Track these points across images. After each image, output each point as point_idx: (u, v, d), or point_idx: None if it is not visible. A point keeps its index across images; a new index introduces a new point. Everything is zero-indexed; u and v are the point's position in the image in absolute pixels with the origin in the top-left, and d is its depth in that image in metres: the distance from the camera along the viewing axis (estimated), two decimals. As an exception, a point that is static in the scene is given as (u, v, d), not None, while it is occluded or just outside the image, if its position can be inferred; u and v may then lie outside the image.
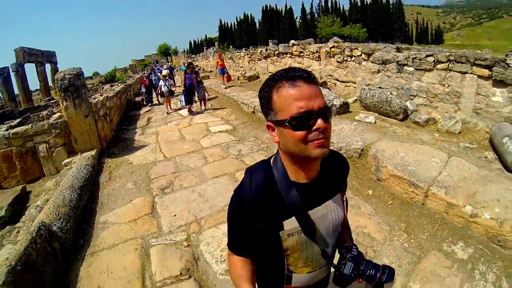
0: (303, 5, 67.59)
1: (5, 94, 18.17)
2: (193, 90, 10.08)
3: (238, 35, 68.33)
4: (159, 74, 15.40)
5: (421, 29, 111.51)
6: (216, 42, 47.33)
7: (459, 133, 4.78)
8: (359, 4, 72.03)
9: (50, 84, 23.77)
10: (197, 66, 19.43)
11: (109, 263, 2.89)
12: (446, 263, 2.63)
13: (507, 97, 4.46)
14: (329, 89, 8.00)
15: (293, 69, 0.94)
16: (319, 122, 0.89)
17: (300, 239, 1.04)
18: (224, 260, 2.75)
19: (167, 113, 10.56)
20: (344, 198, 1.19)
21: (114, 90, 11.32)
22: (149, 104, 13.34)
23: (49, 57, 24.18)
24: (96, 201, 4.25)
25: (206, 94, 10.87)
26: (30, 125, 5.93)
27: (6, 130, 6.22)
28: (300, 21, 63.95)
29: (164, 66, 25.05)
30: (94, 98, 7.71)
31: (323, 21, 42.20)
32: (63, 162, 5.69)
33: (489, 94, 4.70)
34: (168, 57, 63.82)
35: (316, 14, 63.81)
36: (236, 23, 71.41)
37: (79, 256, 3.09)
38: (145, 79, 15.11)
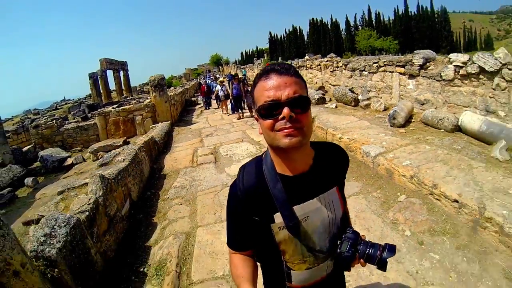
0: (347, 18, 67.32)
1: (94, 92, 23.94)
2: (241, 98, 10.85)
3: (287, 47, 69.15)
4: (210, 80, 17.76)
5: (469, 38, 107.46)
6: (265, 54, 50.34)
7: (383, 110, 7.75)
8: (403, 15, 71.01)
9: (123, 86, 29.33)
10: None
11: (179, 153, 6.76)
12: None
13: (415, 84, 7.19)
14: (326, 91, 11.26)
15: (272, 64, 0.99)
16: (285, 110, 0.90)
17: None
18: (226, 150, 6.38)
19: (224, 115, 11.69)
20: (342, 192, 1.18)
21: (177, 90, 15.64)
22: (206, 108, 14.67)
23: (123, 65, 29.93)
24: (171, 141, 8.21)
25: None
26: (133, 104, 10.12)
27: (115, 108, 10.49)
28: (345, 34, 65.28)
29: (217, 75, 28.91)
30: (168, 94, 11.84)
31: (360, 35, 44.24)
32: (150, 126, 9.69)
33: (406, 85, 7.47)
34: (220, 67, 67.40)
35: (360, 27, 64.70)
36: (285, 35, 72.85)
37: (165, 154, 6.91)
38: (203, 85, 15.69)
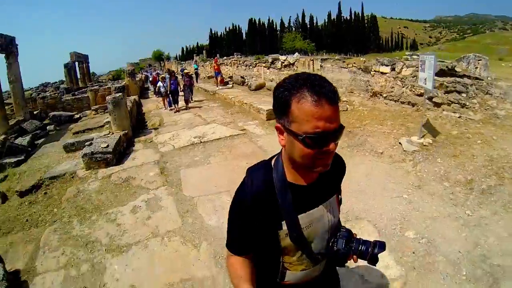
0: (282, 20, 75.67)
1: (67, 79, 29.35)
2: (177, 93, 12.31)
3: (227, 44, 74.77)
4: (152, 75, 23.23)
5: (396, 42, 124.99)
6: (204, 51, 55.50)
7: (256, 86, 15.30)
8: (336, 19, 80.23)
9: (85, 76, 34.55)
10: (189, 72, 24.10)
11: (148, 106, 13.90)
12: (221, 112, 13.16)
13: (269, 72, 14.81)
14: (233, 78, 18.58)
15: (319, 81, 0.90)
16: (332, 145, 0.91)
17: None
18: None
19: (164, 110, 12.86)
20: (340, 198, 1.24)
21: (138, 78, 22.17)
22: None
23: (86, 59, 35.01)
24: (141, 103, 15.00)
25: (191, 96, 13.22)
26: (111, 84, 16.65)
27: (97, 87, 16.97)
28: (279, 34, 72.47)
29: (158, 70, 33.63)
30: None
31: (287, 37, 52.84)
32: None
33: (266, 72, 15.11)
34: (161, 62, 69.97)
35: (293, 28, 73.10)
36: (225, 33, 78.71)
37: (141, 107, 13.77)
38: (155, 76, 20.91)
